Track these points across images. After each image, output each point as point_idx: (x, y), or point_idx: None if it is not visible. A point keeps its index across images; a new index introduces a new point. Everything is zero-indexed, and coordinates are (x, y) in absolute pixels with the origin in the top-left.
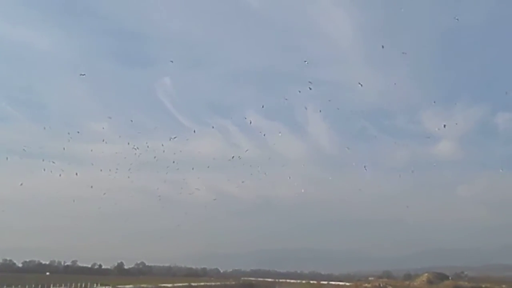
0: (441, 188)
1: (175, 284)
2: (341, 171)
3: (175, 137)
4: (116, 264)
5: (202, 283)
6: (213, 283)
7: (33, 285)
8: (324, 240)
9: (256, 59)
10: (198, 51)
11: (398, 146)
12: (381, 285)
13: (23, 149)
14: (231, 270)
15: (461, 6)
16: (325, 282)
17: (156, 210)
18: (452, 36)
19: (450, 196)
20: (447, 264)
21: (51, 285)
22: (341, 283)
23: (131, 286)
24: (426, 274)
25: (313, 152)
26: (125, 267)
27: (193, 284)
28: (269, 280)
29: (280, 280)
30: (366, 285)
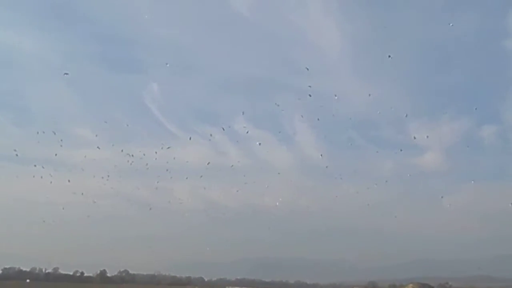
0: (427, 198)
1: None
2: (327, 181)
3: (168, 147)
4: (98, 271)
5: None
6: None
7: None
8: (310, 250)
9: (244, 67)
10: (187, 58)
11: (384, 157)
12: None
13: (16, 154)
14: (216, 279)
15: (449, 19)
16: None
17: (140, 217)
18: (440, 48)
19: (435, 207)
20: (432, 274)
21: None
22: None
23: None
24: (411, 285)
25: (300, 162)
26: (108, 274)
27: None
28: None
29: None
30: None
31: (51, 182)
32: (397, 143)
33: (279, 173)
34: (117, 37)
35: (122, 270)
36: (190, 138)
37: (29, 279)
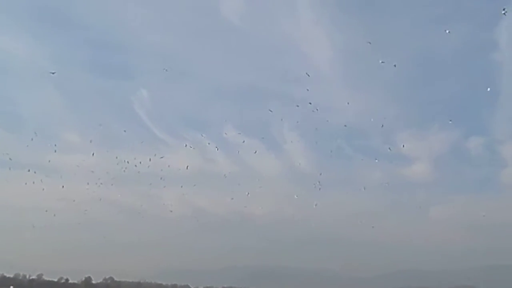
0: (414, 209)
1: None
2: (316, 190)
3: (162, 157)
4: (83, 278)
5: None
6: None
7: None
8: (296, 258)
9: (234, 75)
10: (178, 65)
11: (372, 166)
12: None
13: (9, 158)
14: (202, 286)
15: (438, 33)
16: None
17: (126, 223)
18: (429, 60)
19: (422, 218)
20: (418, 285)
21: None
22: None
23: None
24: None
25: (289, 170)
26: (93, 281)
27: None
28: None
29: None
30: None
31: (42, 188)
32: (386, 153)
33: (268, 181)
34: (108, 43)
35: (107, 277)
36: (186, 145)
37: (12, 285)
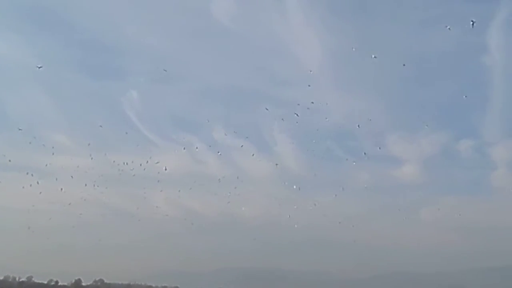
0: (405, 211)
1: None
2: (306, 192)
3: (157, 162)
4: (73, 280)
5: None
6: None
7: None
8: (288, 261)
9: (225, 76)
10: (168, 67)
11: (363, 168)
12: None
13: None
14: None
15: (428, 36)
16: None
17: (116, 225)
18: (420, 63)
19: (413, 220)
20: (409, 286)
21: None
22: None
23: None
24: None
25: (280, 172)
26: (83, 283)
27: None
28: None
29: None
30: None
31: (32, 190)
32: (376, 155)
33: (258, 183)
34: (97, 44)
35: (97, 279)
36: (176, 147)
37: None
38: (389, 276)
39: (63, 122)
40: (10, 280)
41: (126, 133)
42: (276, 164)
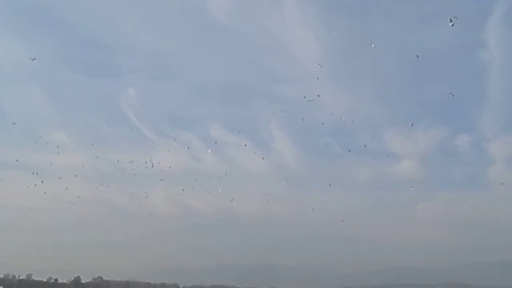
0: (402, 206)
1: None
2: (303, 187)
3: (158, 163)
4: (72, 278)
5: None
6: None
7: None
8: (285, 257)
9: (222, 73)
10: (164, 63)
11: (360, 164)
12: None
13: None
14: (191, 285)
15: (425, 31)
16: None
17: (114, 222)
18: (417, 58)
19: (410, 215)
20: (406, 281)
21: None
22: None
23: None
24: None
25: (277, 168)
26: (82, 281)
27: None
28: None
29: None
30: None
31: (30, 188)
32: (373, 151)
33: (255, 179)
34: (93, 41)
35: (96, 276)
36: (173, 144)
37: (2, 285)
38: (386, 271)
39: (60, 121)
40: (10, 278)
41: (131, 129)
42: (263, 158)
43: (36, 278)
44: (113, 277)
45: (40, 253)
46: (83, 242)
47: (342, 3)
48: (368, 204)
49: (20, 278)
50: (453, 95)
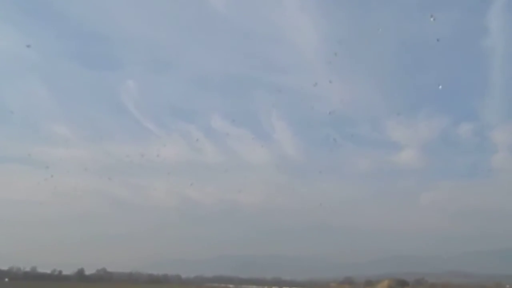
0: (404, 195)
1: None
2: (304, 178)
3: (158, 156)
4: (76, 270)
5: None
6: None
7: None
8: (286, 247)
9: (221, 64)
10: (163, 55)
11: (362, 153)
12: None
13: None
14: (193, 276)
15: (425, 20)
16: None
17: (117, 215)
18: (418, 46)
19: (412, 204)
20: (408, 270)
21: None
22: None
23: None
24: (386, 281)
25: (278, 159)
26: (86, 273)
27: None
28: (232, 286)
29: (243, 286)
30: None
31: (37, 182)
32: (374, 140)
33: (257, 170)
34: (93, 34)
35: (99, 268)
36: (174, 136)
37: (7, 278)
38: (388, 260)
39: (61, 113)
40: (15, 270)
41: (132, 121)
42: (262, 146)
43: (40, 271)
44: (117, 269)
45: (45, 247)
46: (86, 235)
47: None
48: (369, 194)
49: (25, 270)
50: (441, 87)
